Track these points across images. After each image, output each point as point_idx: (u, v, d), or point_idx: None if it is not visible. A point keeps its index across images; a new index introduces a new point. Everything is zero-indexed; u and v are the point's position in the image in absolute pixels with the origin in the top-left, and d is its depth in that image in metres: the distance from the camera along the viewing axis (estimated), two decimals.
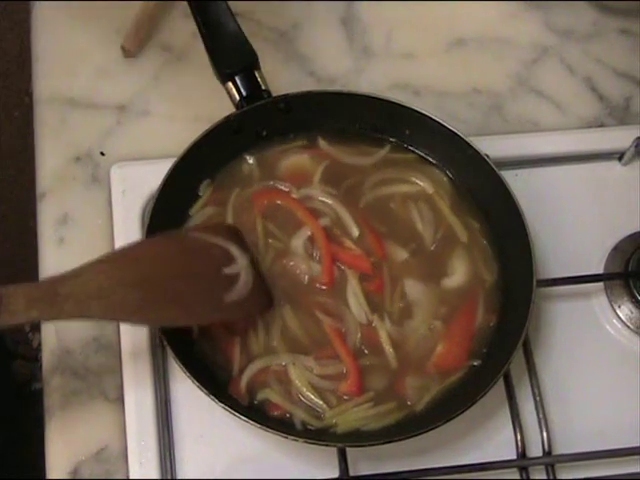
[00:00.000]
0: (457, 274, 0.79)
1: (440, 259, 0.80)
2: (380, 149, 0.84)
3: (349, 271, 0.78)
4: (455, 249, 0.80)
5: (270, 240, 0.79)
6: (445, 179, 0.83)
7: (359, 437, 0.72)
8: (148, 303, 0.66)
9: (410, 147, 0.84)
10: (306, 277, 0.78)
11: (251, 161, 0.82)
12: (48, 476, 0.74)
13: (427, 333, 0.76)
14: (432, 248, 0.80)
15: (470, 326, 0.77)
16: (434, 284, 0.78)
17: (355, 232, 0.80)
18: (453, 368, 0.75)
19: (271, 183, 0.82)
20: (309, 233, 0.79)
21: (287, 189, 0.81)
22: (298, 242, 0.79)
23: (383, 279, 0.78)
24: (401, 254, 0.79)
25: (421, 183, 0.83)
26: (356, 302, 0.77)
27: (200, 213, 0.80)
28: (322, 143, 0.83)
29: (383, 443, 0.70)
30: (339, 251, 0.79)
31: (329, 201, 0.81)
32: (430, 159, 0.83)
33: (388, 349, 0.75)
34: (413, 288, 0.78)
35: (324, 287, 0.77)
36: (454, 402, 0.73)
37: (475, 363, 0.75)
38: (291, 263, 0.78)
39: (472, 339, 0.77)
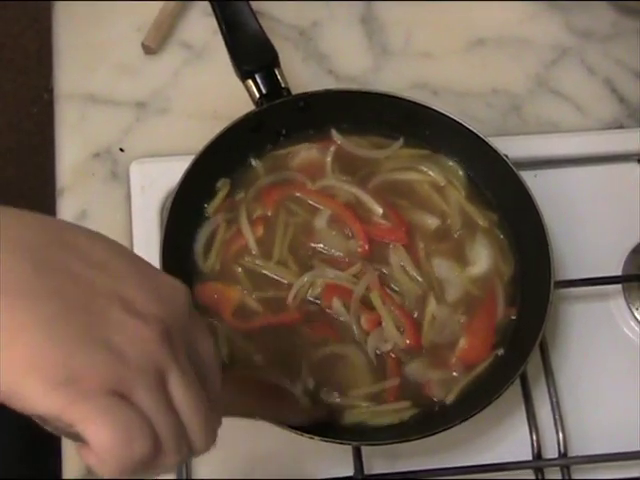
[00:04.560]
0: (480, 261, 0.79)
1: (463, 245, 0.80)
2: (394, 142, 0.84)
3: (386, 243, 0.78)
4: (476, 235, 0.80)
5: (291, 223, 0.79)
6: (461, 172, 0.83)
7: (373, 435, 0.72)
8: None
9: (427, 146, 0.84)
10: (339, 253, 0.78)
11: (262, 161, 0.82)
12: (64, 474, 0.74)
13: (453, 323, 0.76)
14: (456, 236, 0.80)
15: (491, 321, 0.77)
16: (461, 267, 0.78)
17: (379, 210, 0.79)
18: (476, 362, 0.75)
19: (284, 177, 0.82)
20: (330, 212, 0.79)
21: (302, 181, 0.81)
22: (321, 221, 0.79)
23: (418, 252, 0.78)
24: (431, 222, 0.80)
25: (434, 174, 0.82)
26: (405, 274, 0.77)
27: (214, 218, 0.79)
28: (335, 135, 0.83)
29: (398, 442, 0.70)
30: (367, 228, 0.78)
31: (346, 186, 0.80)
32: (448, 157, 0.83)
33: (427, 327, 0.76)
34: (441, 267, 0.78)
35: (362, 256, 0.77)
36: (469, 402, 0.73)
37: (499, 353, 0.75)
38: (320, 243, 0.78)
39: (494, 333, 0.76)
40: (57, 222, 0.54)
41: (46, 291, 0.45)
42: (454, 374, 0.75)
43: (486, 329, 0.76)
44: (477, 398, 0.72)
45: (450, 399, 0.73)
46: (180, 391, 0.48)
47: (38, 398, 0.44)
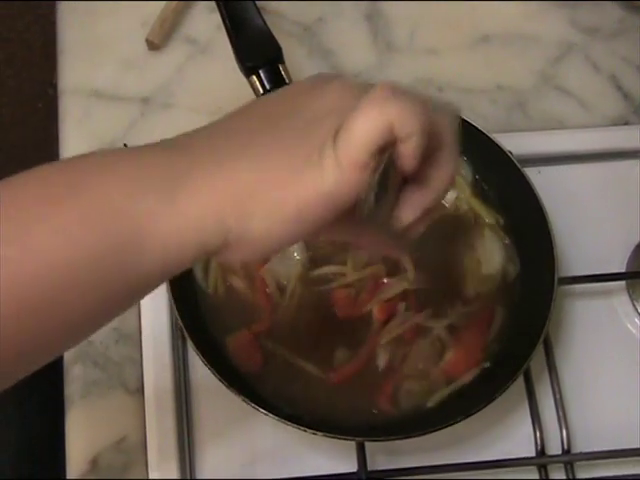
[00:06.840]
0: (492, 259, 0.78)
1: (474, 239, 0.80)
2: None
3: None
4: (484, 231, 0.80)
5: None
6: (464, 170, 0.82)
7: (376, 431, 0.72)
8: None
9: None
10: None
11: None
12: (68, 465, 0.74)
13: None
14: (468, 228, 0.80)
15: (485, 330, 0.76)
16: (476, 262, 0.78)
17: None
18: (462, 373, 0.75)
19: None
20: None
21: None
22: None
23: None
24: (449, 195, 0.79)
25: None
26: None
27: None
28: None
29: (401, 438, 0.70)
30: None
31: None
32: None
33: None
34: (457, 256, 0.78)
35: None
36: (472, 398, 0.72)
37: (485, 366, 0.75)
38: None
39: (486, 346, 0.76)
40: (292, 90, 0.56)
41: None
42: (437, 384, 0.74)
43: (477, 342, 0.76)
44: (480, 395, 0.72)
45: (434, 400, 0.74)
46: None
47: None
